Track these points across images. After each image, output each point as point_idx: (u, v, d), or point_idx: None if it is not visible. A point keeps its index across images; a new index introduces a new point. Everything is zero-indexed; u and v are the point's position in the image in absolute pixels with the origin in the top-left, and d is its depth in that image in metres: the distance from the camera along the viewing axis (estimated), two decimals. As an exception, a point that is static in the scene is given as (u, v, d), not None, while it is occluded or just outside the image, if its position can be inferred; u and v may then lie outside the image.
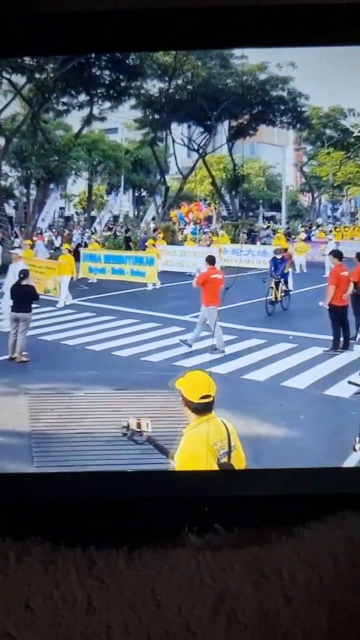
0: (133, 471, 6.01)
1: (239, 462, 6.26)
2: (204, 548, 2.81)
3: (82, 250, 19.10)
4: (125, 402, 11.90)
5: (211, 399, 6.35)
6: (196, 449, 6.11)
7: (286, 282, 17.11)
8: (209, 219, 22.33)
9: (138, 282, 17.74)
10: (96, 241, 20.12)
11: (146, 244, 19.68)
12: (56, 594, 2.61)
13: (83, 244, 20.15)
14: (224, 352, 13.98)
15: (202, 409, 6.31)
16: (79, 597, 2.61)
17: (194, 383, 6.49)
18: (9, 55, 13.70)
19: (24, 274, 14.41)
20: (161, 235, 20.53)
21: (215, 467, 6.00)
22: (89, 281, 18.25)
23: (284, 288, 16.94)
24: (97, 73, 19.12)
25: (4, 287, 15.82)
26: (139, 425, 6.74)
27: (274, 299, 16.64)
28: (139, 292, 17.47)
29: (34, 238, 20.16)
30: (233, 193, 22.78)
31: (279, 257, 17.16)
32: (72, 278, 17.32)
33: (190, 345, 14.11)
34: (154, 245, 19.09)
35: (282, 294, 16.84)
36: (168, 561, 2.72)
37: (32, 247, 19.00)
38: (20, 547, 2.72)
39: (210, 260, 15.24)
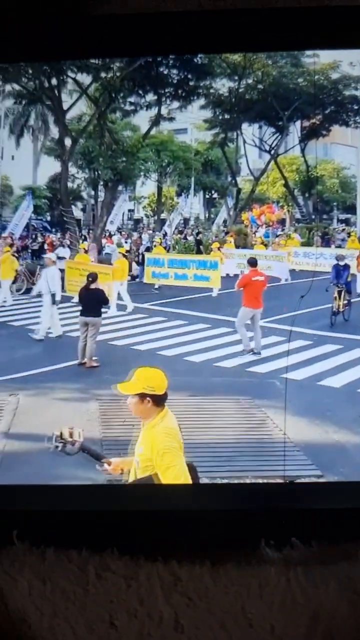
0: (202, 484, 5.95)
1: None
2: (294, 564, 2.68)
3: (146, 255, 19.02)
4: (198, 408, 11.81)
5: None
6: (171, 444, 6.12)
7: (349, 292, 16.52)
8: (282, 222, 22.10)
9: (202, 287, 17.53)
10: (160, 245, 19.88)
11: (211, 247, 19.54)
12: (141, 611, 2.51)
13: (153, 247, 20.09)
14: (252, 352, 14.04)
15: (166, 398, 6.40)
16: (165, 614, 2.50)
17: (157, 376, 6.51)
18: (73, 58, 13.74)
19: (92, 277, 14.41)
20: (230, 238, 20.40)
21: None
22: (156, 286, 18.17)
23: (347, 297, 16.31)
24: (165, 72, 18.93)
25: (35, 289, 16.04)
26: (71, 434, 6.64)
27: (335, 310, 15.99)
28: (211, 296, 17.31)
29: (103, 241, 20.17)
30: (306, 195, 22.49)
31: (341, 263, 16.54)
32: (121, 283, 17.02)
33: (259, 353, 13.99)
34: (218, 249, 18.79)
35: (345, 302, 16.19)
36: (257, 578, 2.61)
37: (86, 251, 18.73)
38: (98, 560, 2.63)
39: (252, 262, 15.31)
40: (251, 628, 2.50)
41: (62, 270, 16.47)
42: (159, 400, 6.30)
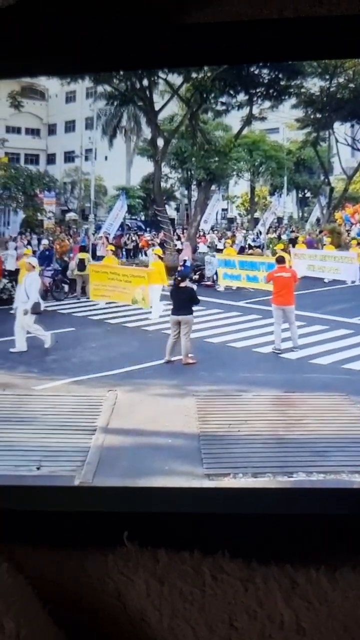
0: (296, 488, 5.92)
1: None
2: None
3: (217, 256, 18.88)
4: (295, 404, 11.82)
5: None
6: None
7: None
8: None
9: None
10: (231, 246, 19.65)
11: (275, 248, 19.31)
12: (261, 613, 2.58)
13: (246, 247, 20.06)
14: (280, 350, 14.11)
15: None
16: (286, 617, 2.57)
17: None
18: (164, 66, 13.80)
19: (182, 275, 14.45)
20: (301, 239, 20.28)
21: None
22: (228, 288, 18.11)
23: None
24: (256, 72, 18.91)
25: (16, 300, 14.80)
26: None
27: None
28: (305, 294, 17.18)
29: (198, 240, 20.26)
30: None
31: None
32: (162, 287, 16.17)
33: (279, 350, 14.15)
34: (283, 249, 18.27)
35: None
36: (375, 582, 2.64)
37: (114, 251, 18.48)
38: (211, 562, 2.71)
39: (279, 259, 15.36)
40: (375, 632, 2.55)
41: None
42: None
